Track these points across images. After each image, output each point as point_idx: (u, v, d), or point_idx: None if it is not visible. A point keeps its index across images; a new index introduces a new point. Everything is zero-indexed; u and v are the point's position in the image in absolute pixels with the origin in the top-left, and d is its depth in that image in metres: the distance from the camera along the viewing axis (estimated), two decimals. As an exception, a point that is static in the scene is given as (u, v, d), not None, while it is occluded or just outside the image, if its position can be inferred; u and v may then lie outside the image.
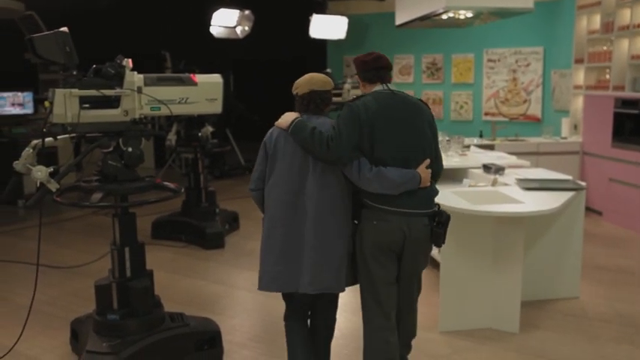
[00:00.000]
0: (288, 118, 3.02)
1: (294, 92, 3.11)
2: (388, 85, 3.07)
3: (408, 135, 2.95)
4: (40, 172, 3.16)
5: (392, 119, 2.93)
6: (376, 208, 2.94)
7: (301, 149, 2.96)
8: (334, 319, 3.30)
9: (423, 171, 2.94)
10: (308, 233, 2.97)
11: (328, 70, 6.75)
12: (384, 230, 2.93)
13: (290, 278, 3.01)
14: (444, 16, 6.65)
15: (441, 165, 3.13)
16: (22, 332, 3.77)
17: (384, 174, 2.86)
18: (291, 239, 3.00)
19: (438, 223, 2.98)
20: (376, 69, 3.07)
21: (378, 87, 3.06)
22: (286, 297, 3.21)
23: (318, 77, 3.10)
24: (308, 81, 3.08)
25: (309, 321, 3.29)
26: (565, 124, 8.10)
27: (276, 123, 3.07)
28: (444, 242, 3.01)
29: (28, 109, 8.91)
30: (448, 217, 3.00)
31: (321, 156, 2.90)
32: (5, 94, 8.71)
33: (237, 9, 9.69)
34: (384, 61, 3.09)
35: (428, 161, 2.97)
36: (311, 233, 2.96)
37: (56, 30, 3.24)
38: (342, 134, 2.86)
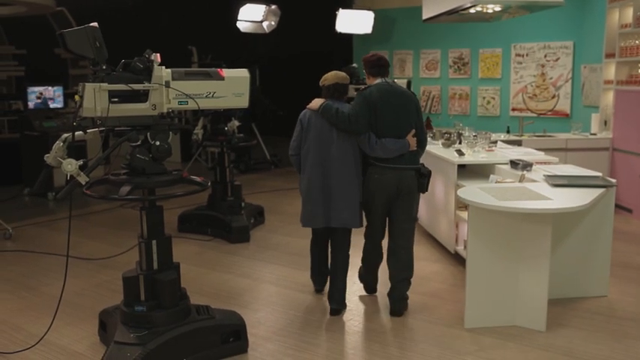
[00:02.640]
0: (317, 102, 4.25)
1: (322, 84, 4.32)
2: (386, 78, 4.27)
3: (399, 114, 4.17)
4: (71, 165, 3.21)
5: (389, 104, 4.14)
6: (378, 166, 4.17)
7: (327, 124, 4.16)
8: (348, 247, 4.41)
9: (410, 139, 4.16)
10: (333, 184, 4.18)
11: (354, 65, 6.72)
12: (384, 181, 4.16)
13: (322, 216, 4.23)
14: (472, 10, 6.59)
15: (425, 136, 4.33)
16: (52, 322, 3.85)
17: (385, 144, 4.10)
18: (321, 190, 4.20)
19: (422, 175, 4.21)
20: (378, 66, 4.27)
21: (379, 80, 4.26)
22: (314, 229, 4.50)
23: (341, 74, 4.34)
24: (333, 76, 4.31)
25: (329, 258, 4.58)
26: (595, 120, 7.96)
27: (308, 106, 4.28)
28: (426, 190, 4.28)
29: (59, 104, 9.06)
30: (429, 172, 4.25)
31: (344, 128, 4.10)
32: (36, 89, 8.86)
33: (263, 4, 9.72)
34: (383, 61, 4.29)
35: (413, 131, 4.17)
36: (336, 184, 4.17)
37: (86, 25, 3.28)
38: (358, 113, 4.08)
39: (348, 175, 4.17)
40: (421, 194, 4.36)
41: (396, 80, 8.65)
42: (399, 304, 4.34)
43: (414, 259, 4.40)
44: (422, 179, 4.21)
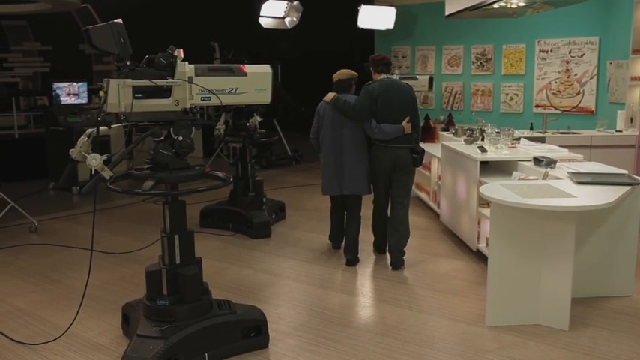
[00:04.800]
0: (330, 95, 5.28)
1: (334, 80, 5.36)
2: (388, 75, 5.26)
3: (396, 104, 5.12)
4: (95, 160, 3.25)
5: (388, 96, 5.10)
6: (379, 145, 5.17)
7: (339, 114, 5.19)
8: (359, 210, 5.43)
9: (405, 125, 5.10)
10: (345, 161, 5.22)
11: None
12: (384, 157, 5.16)
13: (337, 186, 5.28)
14: (496, 6, 6.54)
15: (419, 122, 5.32)
16: (76, 315, 3.91)
17: (383, 128, 5.08)
18: (336, 165, 5.24)
19: (415, 152, 5.17)
20: (382, 64, 5.24)
21: (382, 76, 5.23)
22: (332, 197, 5.56)
23: (343, 72, 5.37)
24: (337, 74, 5.37)
25: (344, 217, 5.62)
26: (620, 117, 7.83)
27: (324, 99, 5.32)
28: (420, 164, 5.32)
29: (83, 99, 9.17)
30: (422, 150, 5.26)
31: (350, 116, 5.14)
32: (61, 85, 8.98)
33: (285, 0, 9.71)
34: (387, 60, 5.29)
35: (408, 118, 5.12)
36: (347, 161, 5.22)
37: (111, 21, 3.31)
38: (361, 103, 5.08)
39: (357, 153, 5.21)
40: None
41: (417, 76, 8.75)
42: (397, 256, 5.27)
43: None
44: (415, 155, 5.18)
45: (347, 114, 5.13)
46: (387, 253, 5.42)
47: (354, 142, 5.20)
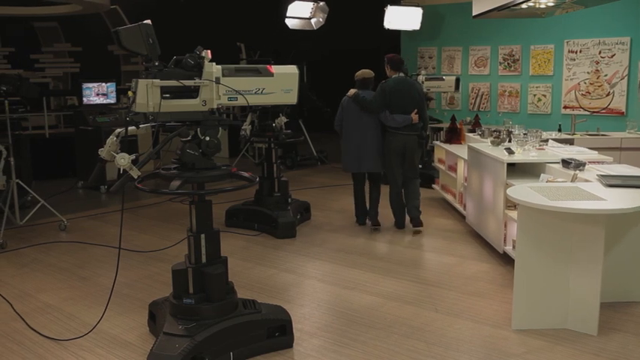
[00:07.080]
0: (352, 91, 6.42)
1: (355, 79, 6.52)
2: (400, 74, 6.37)
3: (406, 98, 6.25)
4: (123, 159, 3.29)
5: (400, 91, 6.24)
6: (391, 132, 6.29)
7: (358, 106, 6.32)
8: (380, 181, 6.59)
9: (414, 115, 6.23)
10: (365, 143, 6.34)
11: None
12: (396, 142, 6.28)
13: (357, 165, 6.43)
14: (524, 6, 6.45)
15: (425, 113, 6.46)
16: (104, 312, 3.97)
17: (395, 117, 6.22)
18: (357, 147, 6.37)
19: (421, 138, 6.38)
20: (398, 63, 6.39)
21: (397, 74, 6.34)
22: (355, 177, 6.66)
23: (365, 71, 6.53)
24: (361, 73, 6.51)
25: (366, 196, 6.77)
26: (652, 119, 7.68)
27: (347, 94, 6.45)
28: (425, 148, 6.74)
29: (111, 99, 9.29)
30: (427, 136, 6.73)
31: (366, 109, 6.28)
32: (91, 85, 9.11)
33: (311, 0, 9.72)
34: (401, 60, 6.49)
35: (416, 110, 6.24)
36: (365, 143, 6.35)
37: (140, 22, 3.35)
38: (376, 99, 6.25)
39: (373, 138, 6.34)
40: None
41: (444, 77, 8.79)
42: (416, 220, 6.43)
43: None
44: (421, 140, 6.37)
45: (364, 107, 6.30)
46: (408, 216, 6.54)
47: (371, 130, 6.33)
